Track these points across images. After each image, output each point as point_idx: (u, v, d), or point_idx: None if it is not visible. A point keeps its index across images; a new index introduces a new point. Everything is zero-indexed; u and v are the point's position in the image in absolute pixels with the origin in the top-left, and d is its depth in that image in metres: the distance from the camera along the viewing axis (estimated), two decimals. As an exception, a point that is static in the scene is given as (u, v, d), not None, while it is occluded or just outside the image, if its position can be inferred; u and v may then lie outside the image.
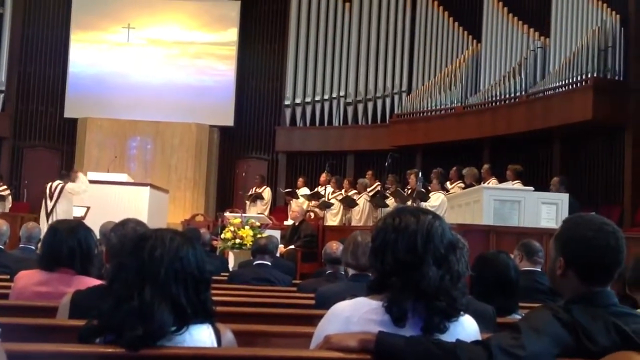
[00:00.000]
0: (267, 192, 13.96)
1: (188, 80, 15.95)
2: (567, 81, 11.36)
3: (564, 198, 8.47)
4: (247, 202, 13.77)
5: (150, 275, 1.94)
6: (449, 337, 1.95)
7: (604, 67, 11.03)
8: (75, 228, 3.34)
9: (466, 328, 2.05)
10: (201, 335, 2.00)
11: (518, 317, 3.44)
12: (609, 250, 2.08)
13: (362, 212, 12.09)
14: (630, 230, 9.72)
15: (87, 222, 3.68)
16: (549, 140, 12.50)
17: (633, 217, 10.71)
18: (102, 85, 15.66)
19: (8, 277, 4.38)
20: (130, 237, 2.50)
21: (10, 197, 12.86)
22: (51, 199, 10.69)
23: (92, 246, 3.33)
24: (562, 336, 1.98)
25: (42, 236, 5.57)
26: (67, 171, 12.10)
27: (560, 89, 11.51)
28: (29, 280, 3.32)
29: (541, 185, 10.15)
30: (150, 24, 16.06)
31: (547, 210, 8.20)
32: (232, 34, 16.17)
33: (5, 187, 12.85)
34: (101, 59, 15.91)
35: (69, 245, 3.24)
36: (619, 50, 11.11)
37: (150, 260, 1.96)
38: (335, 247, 4.84)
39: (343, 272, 4.68)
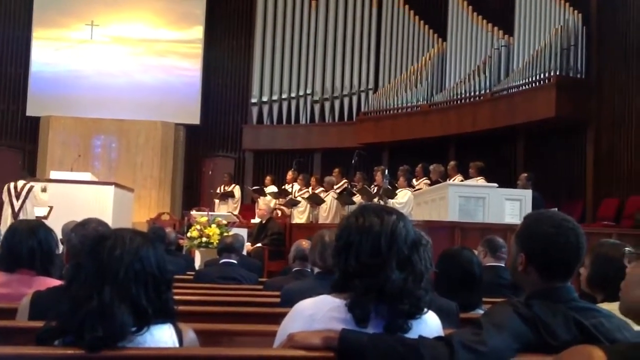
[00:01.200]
0: (237, 190, 13.90)
1: (153, 78, 15.79)
2: (530, 79, 11.52)
3: (527, 194, 8.59)
4: (217, 201, 13.70)
5: (110, 276, 1.91)
6: (412, 334, 1.96)
7: (567, 66, 11.22)
8: (36, 228, 3.28)
9: (429, 324, 2.06)
10: (162, 336, 1.98)
11: (481, 312, 3.47)
12: (570, 247, 2.11)
13: (329, 210, 12.11)
14: (592, 225, 9.90)
15: (50, 221, 3.63)
16: (513, 137, 12.66)
17: (595, 213, 10.91)
18: (65, 83, 15.42)
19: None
20: (91, 237, 2.46)
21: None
22: (17, 198, 10.47)
23: (52, 246, 3.27)
24: (523, 331, 1.99)
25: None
26: (29, 171, 11.89)
27: (523, 87, 11.67)
28: (-13, 281, 3.25)
29: (505, 181, 10.27)
30: (115, 21, 15.84)
31: (511, 206, 8.30)
32: (197, 32, 16.06)
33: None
34: (64, 56, 15.66)
35: (29, 246, 3.18)
36: (581, 48, 11.31)
37: (110, 260, 1.93)
38: (305, 245, 4.83)
39: (309, 270, 4.69)
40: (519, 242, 2.20)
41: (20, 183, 10.61)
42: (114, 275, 1.92)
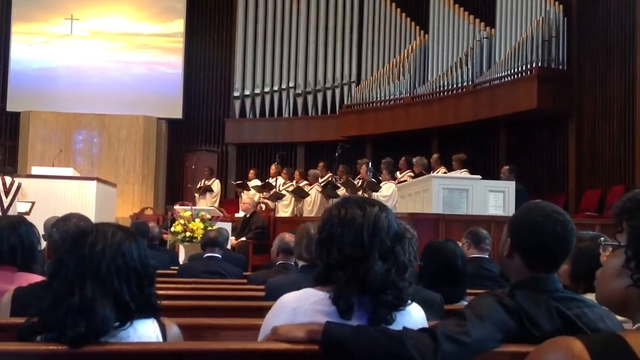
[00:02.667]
0: (216, 185, 13.86)
1: (134, 72, 15.68)
2: (512, 71, 11.58)
3: (510, 186, 8.64)
4: (197, 195, 13.65)
5: (91, 271, 1.90)
6: (396, 326, 1.96)
7: (548, 57, 11.28)
8: (17, 224, 3.24)
9: (413, 316, 2.06)
10: (146, 330, 1.97)
11: (466, 303, 3.49)
12: (556, 238, 2.12)
13: (313, 203, 12.11)
14: (576, 216, 9.98)
15: (32, 217, 3.59)
16: (495, 129, 12.72)
17: (577, 205, 10.99)
18: (45, 78, 15.27)
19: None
20: (72, 232, 2.44)
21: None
22: (7, 195, 10.31)
23: (34, 242, 3.24)
24: (506, 322, 2.00)
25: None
26: (11, 167, 11.75)
27: (505, 79, 11.72)
28: (-32, 278, 3.21)
29: (488, 173, 10.34)
30: (94, 15, 15.70)
31: (495, 197, 8.35)
32: (178, 25, 15.95)
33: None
34: (44, 51, 15.50)
35: (10, 242, 3.15)
36: (563, 40, 11.37)
37: (91, 255, 1.92)
38: (288, 238, 4.82)
39: (293, 264, 4.68)
40: (509, 228, 2.22)
41: (8, 179, 10.48)
42: (95, 271, 1.90)
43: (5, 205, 10.19)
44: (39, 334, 1.89)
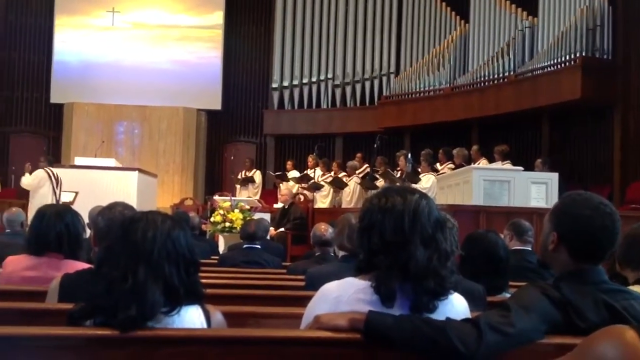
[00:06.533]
0: (257, 175, 13.95)
1: (175, 64, 15.85)
2: (555, 60, 11.37)
3: (553, 177, 8.50)
4: (238, 186, 13.75)
5: (144, 256, 1.95)
6: (438, 315, 1.95)
7: (592, 46, 11.04)
8: (63, 212, 3.32)
9: (456, 306, 2.05)
10: (191, 317, 2.00)
11: (508, 295, 3.45)
12: (604, 231, 2.09)
13: (352, 194, 12.10)
14: (621, 209, 9.78)
15: (76, 207, 3.66)
16: (537, 120, 12.52)
17: (622, 196, 10.78)
18: (87, 70, 15.53)
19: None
20: (117, 220, 2.48)
21: (-3, 184, 12.77)
22: (58, 184, 10.54)
23: (79, 230, 3.31)
24: (551, 313, 1.98)
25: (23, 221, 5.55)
26: (52, 157, 12.00)
27: (548, 69, 11.52)
28: (17, 265, 3.30)
29: (531, 164, 10.19)
30: (135, 7, 15.90)
31: (537, 189, 8.23)
32: (217, 17, 16.06)
33: (-8, 173, 12.74)
34: (86, 43, 15.76)
35: (57, 230, 3.23)
36: (607, 29, 11.11)
37: (143, 240, 1.96)
38: (323, 229, 4.82)
39: (332, 254, 4.69)
40: (553, 220, 2.17)
41: (55, 170, 10.69)
42: (147, 256, 1.95)
43: (58, 195, 10.42)
44: (88, 319, 1.94)
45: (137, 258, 1.94)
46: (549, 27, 11.93)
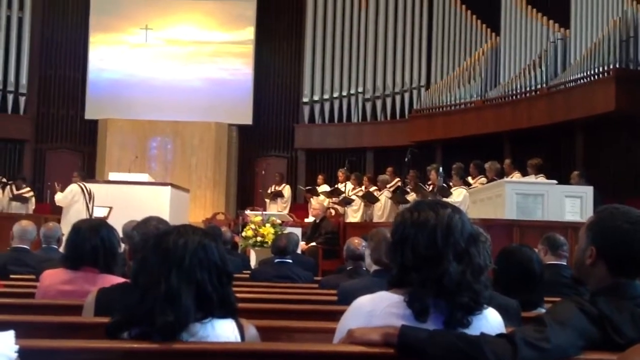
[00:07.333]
0: (286, 190, 13.99)
1: (206, 79, 16.03)
2: (588, 72, 11.24)
3: (588, 191, 8.37)
4: (267, 200, 13.80)
5: (176, 262, 1.97)
6: (472, 330, 1.93)
7: (626, 58, 10.90)
8: (98, 227, 3.36)
9: (490, 321, 2.03)
10: (224, 330, 2.01)
11: (543, 311, 3.40)
12: None
13: (383, 209, 12.06)
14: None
15: (110, 222, 3.70)
16: (571, 132, 12.37)
17: (658, 209, 10.56)
18: (121, 87, 15.79)
19: (33, 277, 4.43)
20: (152, 234, 2.51)
21: (33, 199, 12.97)
22: (90, 199, 10.73)
23: (115, 244, 3.35)
24: (588, 328, 1.95)
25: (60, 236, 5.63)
26: (88, 173, 12.19)
27: (581, 81, 11.39)
28: (54, 279, 3.35)
29: (564, 178, 10.05)
30: (168, 24, 16.15)
31: (571, 203, 8.11)
32: (249, 33, 16.22)
33: (28, 189, 12.95)
34: (120, 60, 16.04)
35: (92, 244, 3.27)
36: (641, 40, 10.97)
37: (175, 247, 1.99)
38: (357, 243, 4.81)
39: (365, 268, 4.68)
40: (590, 235, 2.14)
41: (88, 185, 10.86)
42: (179, 261, 1.97)
43: (91, 210, 10.58)
44: (125, 330, 1.96)
45: (169, 264, 1.96)
46: (581, 39, 11.82)
